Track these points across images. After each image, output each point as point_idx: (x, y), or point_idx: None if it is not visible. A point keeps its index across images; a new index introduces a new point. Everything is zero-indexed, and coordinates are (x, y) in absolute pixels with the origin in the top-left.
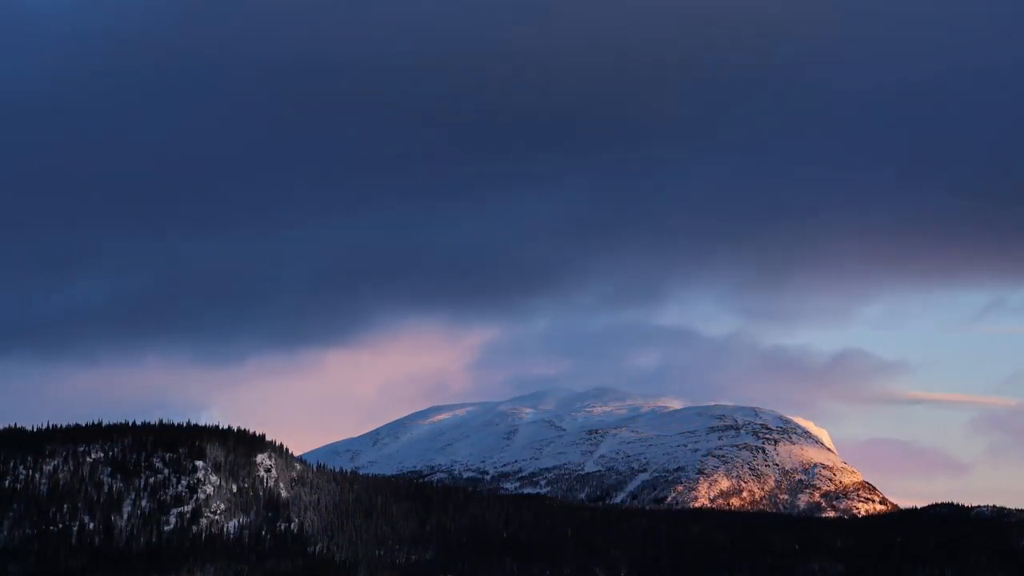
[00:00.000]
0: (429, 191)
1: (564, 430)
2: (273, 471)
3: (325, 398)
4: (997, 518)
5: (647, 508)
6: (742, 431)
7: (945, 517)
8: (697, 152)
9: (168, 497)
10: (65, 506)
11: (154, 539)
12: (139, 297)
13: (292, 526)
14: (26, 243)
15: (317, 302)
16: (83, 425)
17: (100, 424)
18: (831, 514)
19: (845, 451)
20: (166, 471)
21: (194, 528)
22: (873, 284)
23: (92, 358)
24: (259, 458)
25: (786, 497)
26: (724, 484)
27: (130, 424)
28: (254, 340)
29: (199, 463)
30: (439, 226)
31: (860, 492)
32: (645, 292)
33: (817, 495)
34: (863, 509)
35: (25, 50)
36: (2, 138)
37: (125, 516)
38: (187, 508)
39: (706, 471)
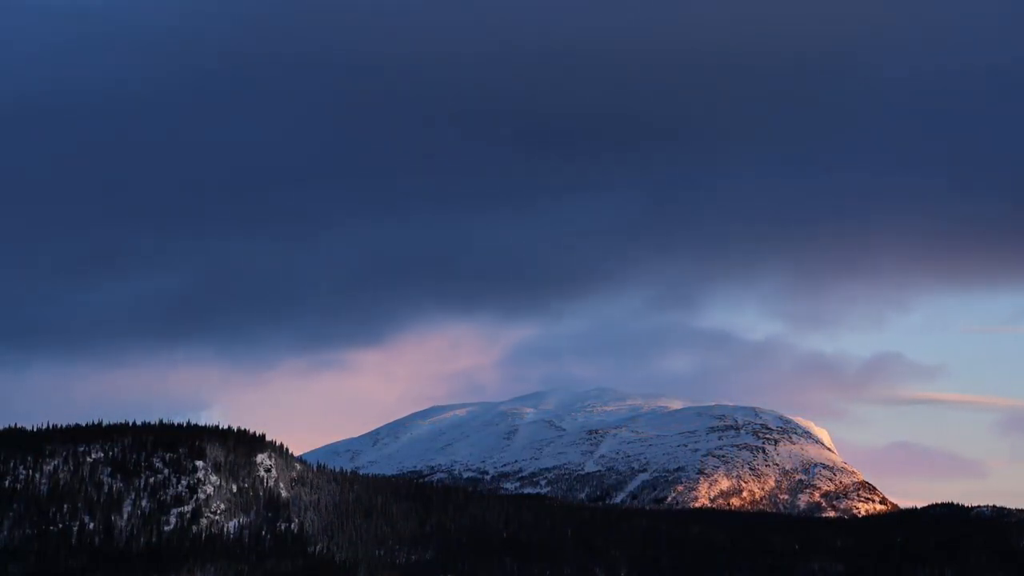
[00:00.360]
0: (469, 196)
1: (564, 430)
2: (273, 471)
3: (351, 399)
4: (997, 518)
5: (647, 508)
6: (742, 431)
7: (945, 517)
8: (740, 156)
9: (168, 497)
10: (65, 506)
11: (154, 539)
12: (174, 298)
13: (292, 526)
14: (60, 243)
15: (352, 304)
16: (83, 425)
17: (100, 424)
18: (831, 514)
19: (868, 454)
20: (166, 471)
21: (194, 528)
22: (912, 288)
23: (119, 360)
24: (259, 458)
25: (786, 497)
26: (724, 484)
27: (130, 424)
28: (287, 341)
29: (199, 463)
30: (478, 230)
31: (860, 492)
32: (685, 296)
33: (817, 495)
34: (863, 509)
35: (72, 51)
36: (37, 139)
37: (125, 516)
38: (187, 508)
39: (706, 471)
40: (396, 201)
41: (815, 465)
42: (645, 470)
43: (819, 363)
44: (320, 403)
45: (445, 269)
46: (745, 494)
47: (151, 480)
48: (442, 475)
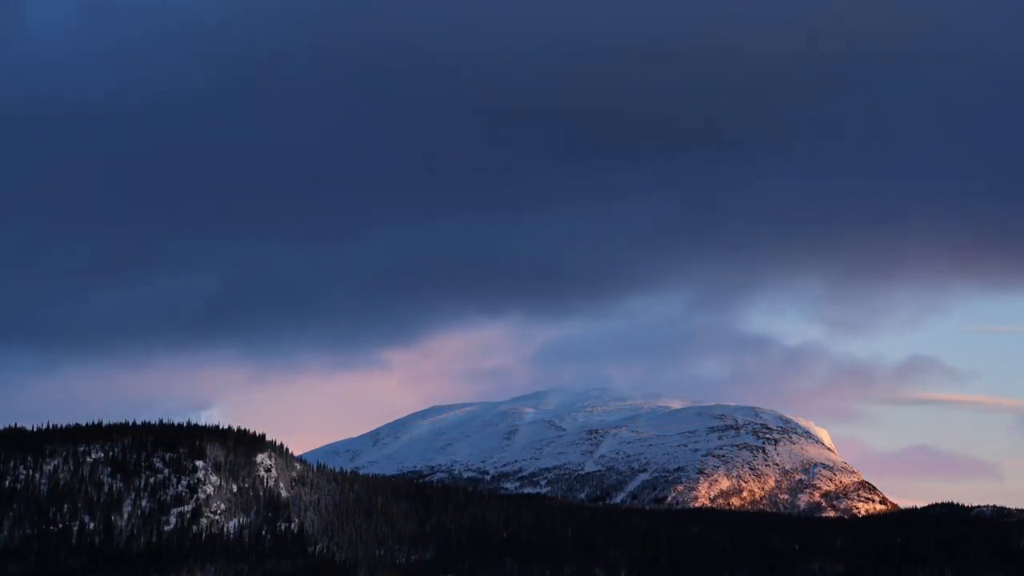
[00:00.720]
0: (503, 198)
1: (564, 430)
2: (273, 471)
3: (375, 399)
4: (997, 518)
5: (647, 508)
6: (742, 431)
7: (945, 517)
8: (778, 158)
9: (168, 497)
10: (65, 506)
11: (154, 539)
12: (203, 299)
13: (292, 526)
14: (89, 244)
15: (381, 305)
16: (83, 425)
17: (100, 424)
18: (831, 514)
19: (889, 456)
20: (166, 471)
21: (194, 528)
22: (949, 291)
23: (146, 360)
24: (259, 458)
25: (786, 497)
26: (724, 484)
27: (130, 424)
28: (316, 342)
29: (199, 463)
30: (513, 232)
31: (860, 492)
32: (723, 300)
33: (817, 495)
34: (863, 509)
35: (105, 52)
36: (74, 141)
37: (125, 516)
38: (187, 508)
39: (706, 471)
40: (431, 203)
41: (815, 465)
42: (645, 470)
43: (851, 368)
44: (343, 403)
45: (478, 271)
46: (745, 494)
47: (151, 480)
48: (442, 475)
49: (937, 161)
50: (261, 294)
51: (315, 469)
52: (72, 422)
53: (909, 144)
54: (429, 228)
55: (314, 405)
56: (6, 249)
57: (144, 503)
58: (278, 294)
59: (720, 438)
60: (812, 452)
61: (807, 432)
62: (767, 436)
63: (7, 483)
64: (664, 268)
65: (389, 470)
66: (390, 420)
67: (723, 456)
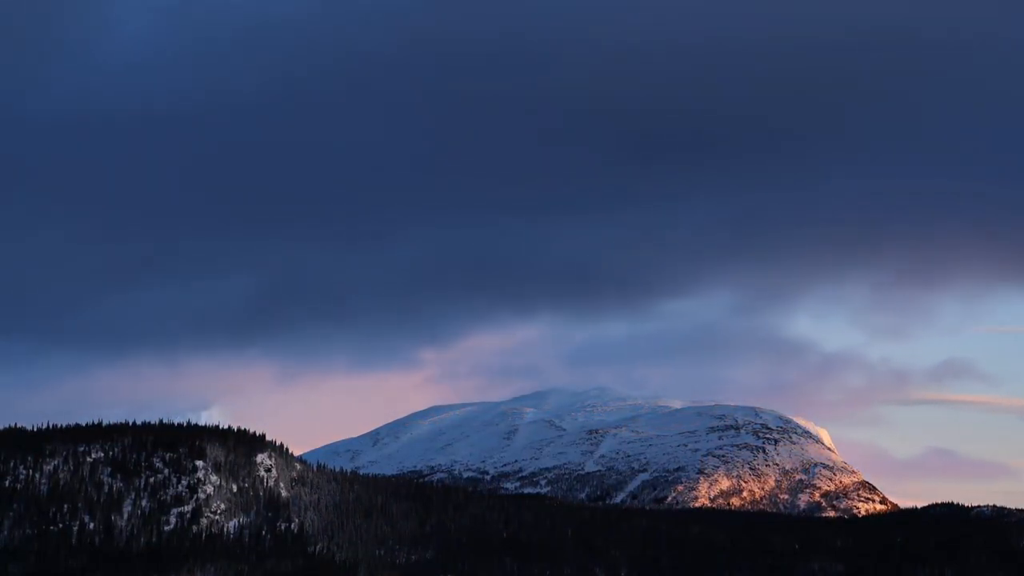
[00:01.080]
0: (546, 200)
1: (564, 430)
2: (273, 471)
3: (405, 400)
4: (997, 518)
5: (647, 508)
6: (742, 431)
7: (945, 517)
8: (817, 160)
9: (168, 497)
10: (65, 506)
11: (154, 539)
12: (247, 299)
13: (292, 526)
14: (119, 247)
15: (416, 305)
16: (83, 425)
17: (100, 424)
18: (831, 514)
19: (907, 458)
20: (166, 471)
21: (194, 528)
22: (991, 296)
23: (185, 360)
24: (259, 458)
25: (786, 497)
26: (724, 484)
27: (130, 424)
28: (347, 343)
29: (199, 463)
30: (555, 234)
31: (860, 492)
32: (764, 305)
33: (817, 495)
34: (863, 509)
35: (159, 59)
36: (105, 144)
37: (125, 516)
38: (187, 508)
39: (706, 471)
40: (468, 204)
41: (815, 465)
42: (645, 470)
43: (885, 372)
44: (368, 404)
45: (514, 273)
46: (745, 494)
47: (151, 480)
48: (442, 475)
49: (980, 163)
50: (297, 295)
51: (315, 469)
52: (72, 422)
53: (963, 149)
54: (466, 230)
55: (340, 405)
56: (46, 252)
57: (144, 503)
58: (313, 295)
59: (720, 438)
60: (812, 452)
61: (807, 432)
62: (767, 436)
63: (7, 483)
64: (705, 272)
65: (389, 470)
66: (390, 420)
67: (723, 456)
